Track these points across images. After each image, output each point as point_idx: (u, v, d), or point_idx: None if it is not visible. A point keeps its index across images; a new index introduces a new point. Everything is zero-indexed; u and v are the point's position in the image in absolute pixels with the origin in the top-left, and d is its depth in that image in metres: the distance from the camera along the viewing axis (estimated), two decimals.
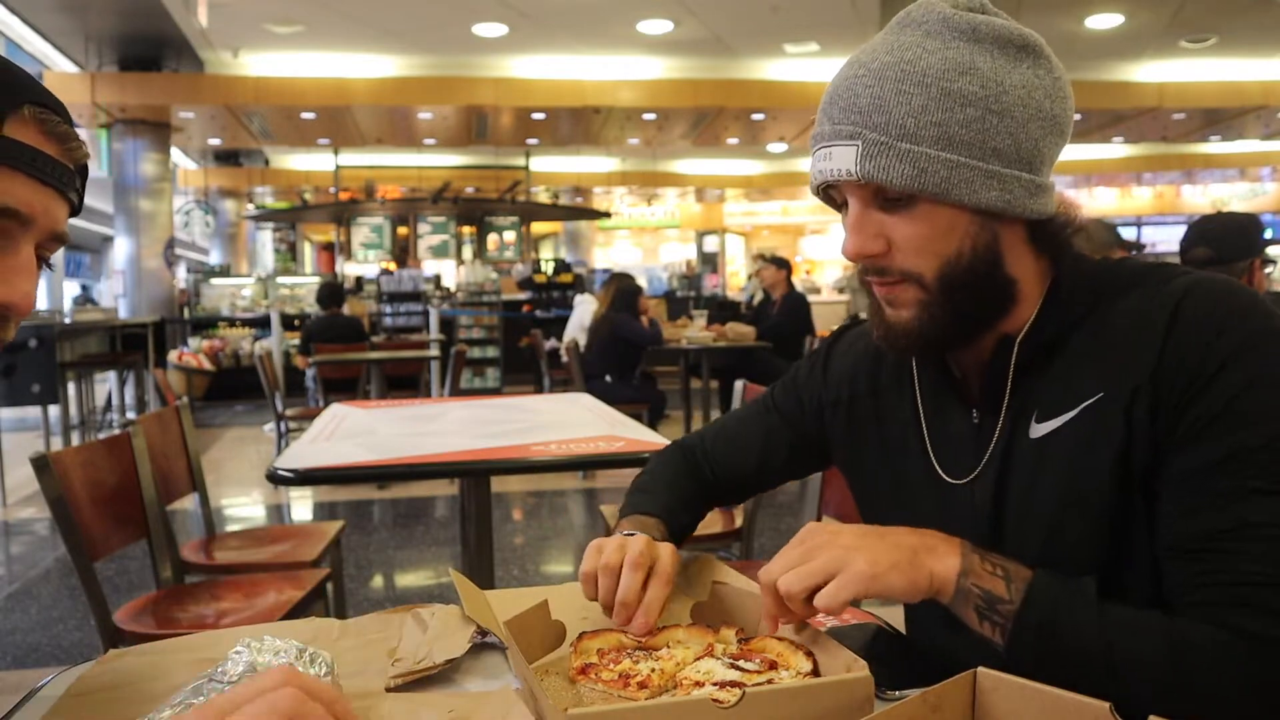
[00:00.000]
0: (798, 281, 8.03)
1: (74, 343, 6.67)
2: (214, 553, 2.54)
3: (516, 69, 9.83)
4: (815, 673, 0.74)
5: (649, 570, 0.91)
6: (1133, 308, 0.82)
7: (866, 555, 0.77)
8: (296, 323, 9.99)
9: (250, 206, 16.71)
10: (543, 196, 15.80)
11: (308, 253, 19.46)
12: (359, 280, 11.82)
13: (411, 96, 9.87)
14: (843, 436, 1.08)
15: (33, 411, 6.34)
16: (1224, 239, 2.61)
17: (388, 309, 11.00)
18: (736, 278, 19.06)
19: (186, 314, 10.94)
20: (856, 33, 8.60)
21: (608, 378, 6.12)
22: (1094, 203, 18.85)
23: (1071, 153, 14.83)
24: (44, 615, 3.57)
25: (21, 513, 5.33)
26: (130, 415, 7.64)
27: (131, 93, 9.43)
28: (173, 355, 9.91)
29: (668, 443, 1.28)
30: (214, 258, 15.87)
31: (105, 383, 8.30)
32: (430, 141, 12.35)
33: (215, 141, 12.44)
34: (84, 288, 19.28)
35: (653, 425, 5.39)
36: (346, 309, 7.43)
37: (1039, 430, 0.86)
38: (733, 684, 0.72)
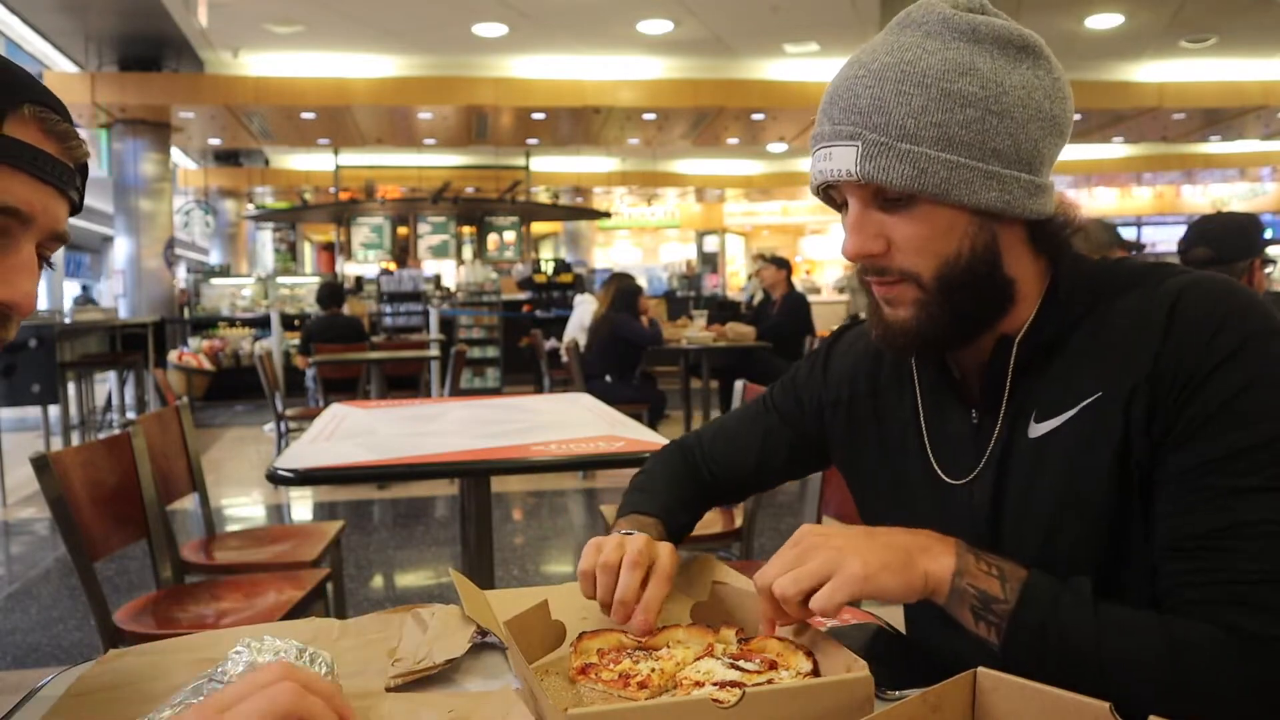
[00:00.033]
0: (798, 281, 8.03)
1: (74, 343, 6.67)
2: (214, 553, 2.54)
3: (516, 69, 9.83)
4: (815, 673, 0.74)
5: (648, 569, 0.91)
6: (1131, 307, 0.83)
7: (860, 557, 0.77)
8: (296, 323, 9.99)
9: (250, 206, 16.71)
10: (543, 196, 15.80)
11: (308, 253, 19.46)
12: (359, 280, 11.82)
13: (411, 96, 9.87)
14: (842, 436, 1.08)
15: (33, 411, 6.34)
16: (1224, 239, 2.61)
17: (388, 309, 11.00)
18: (736, 278, 19.06)
19: (186, 314, 10.95)
20: (856, 33, 8.60)
21: (608, 378, 6.12)
22: (1094, 203, 18.85)
23: (1071, 153, 14.83)
24: (44, 615, 3.57)
25: (21, 513, 5.33)
26: (130, 415, 7.64)
27: (131, 93, 9.43)
28: (173, 355, 9.91)
29: (667, 443, 1.28)
30: (214, 258, 15.87)
31: (105, 383, 8.30)
32: (430, 141, 12.35)
33: (215, 141, 12.44)
34: (84, 288, 19.28)
35: (653, 425, 5.39)
36: (346, 309, 7.43)
37: (1037, 430, 0.86)
38: (733, 684, 0.72)
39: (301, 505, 5.53)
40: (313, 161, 14.86)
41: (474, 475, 2.07)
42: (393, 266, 12.04)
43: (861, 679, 0.67)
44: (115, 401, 7.96)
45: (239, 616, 2.02)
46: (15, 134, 0.68)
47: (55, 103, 0.72)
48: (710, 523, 2.60)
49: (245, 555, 2.53)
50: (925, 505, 0.95)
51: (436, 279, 11.79)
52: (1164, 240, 17.67)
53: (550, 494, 5.56)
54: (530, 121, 11.09)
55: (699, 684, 0.74)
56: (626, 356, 6.20)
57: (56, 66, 9.57)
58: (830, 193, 0.90)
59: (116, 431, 2.63)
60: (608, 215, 17.28)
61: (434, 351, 6.82)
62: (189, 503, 3.71)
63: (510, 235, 12.73)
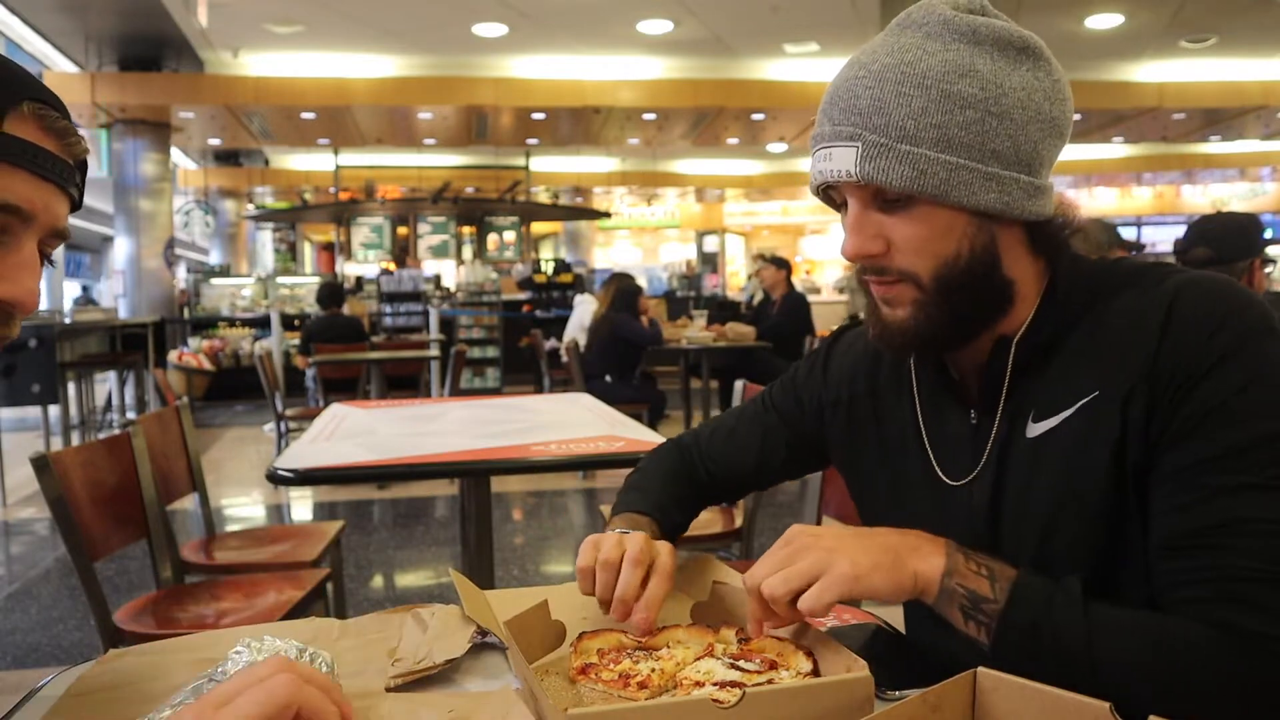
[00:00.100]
0: (798, 281, 8.04)
1: (74, 343, 6.68)
2: (214, 553, 2.54)
3: (516, 69, 9.83)
4: (815, 673, 0.74)
5: (649, 567, 0.91)
6: (1129, 307, 0.83)
7: (849, 557, 0.77)
8: (296, 323, 9.99)
9: (250, 206, 16.71)
10: (543, 196, 15.80)
11: (308, 253, 19.46)
12: (359, 280, 11.82)
13: (411, 96, 9.88)
14: (841, 437, 1.08)
15: (33, 411, 6.34)
16: (1224, 239, 2.61)
17: (388, 309, 11.00)
18: (736, 278, 19.06)
19: (186, 314, 10.95)
20: (856, 33, 8.60)
21: (608, 378, 6.12)
22: (1094, 203, 18.86)
23: (1071, 153, 14.83)
24: (44, 615, 3.57)
25: (21, 513, 5.33)
26: (130, 415, 7.64)
27: (131, 93, 9.43)
28: (173, 355, 9.91)
29: (664, 440, 1.28)
30: (214, 258, 15.87)
31: (105, 383, 8.30)
32: (430, 141, 12.35)
33: (215, 141, 12.44)
34: (84, 288, 19.29)
35: (653, 425, 5.39)
36: (346, 309, 7.43)
37: (1035, 430, 0.86)
38: (733, 684, 0.72)
39: (301, 505, 5.53)
40: (313, 161, 14.86)
41: (474, 475, 2.07)
42: (393, 266, 12.04)
43: (861, 679, 0.67)
44: (115, 401, 7.96)
45: (239, 616, 2.02)
46: (15, 131, 0.68)
47: (53, 100, 0.72)
48: (710, 523, 2.60)
49: (245, 555, 2.53)
50: (925, 506, 0.96)
51: (436, 279, 11.79)
52: (1164, 240, 17.66)
53: (550, 494, 5.56)
54: (530, 121, 11.09)
55: (699, 684, 0.74)
56: (626, 356, 6.20)
57: (56, 66, 9.57)
58: (830, 193, 0.90)
59: (116, 431, 2.63)
60: (608, 215, 17.28)
61: (434, 351, 6.82)
62: (189, 503, 3.71)
63: (510, 235, 12.74)
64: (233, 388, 10.01)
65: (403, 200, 13.45)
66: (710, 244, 19.93)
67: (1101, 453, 0.80)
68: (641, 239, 22.66)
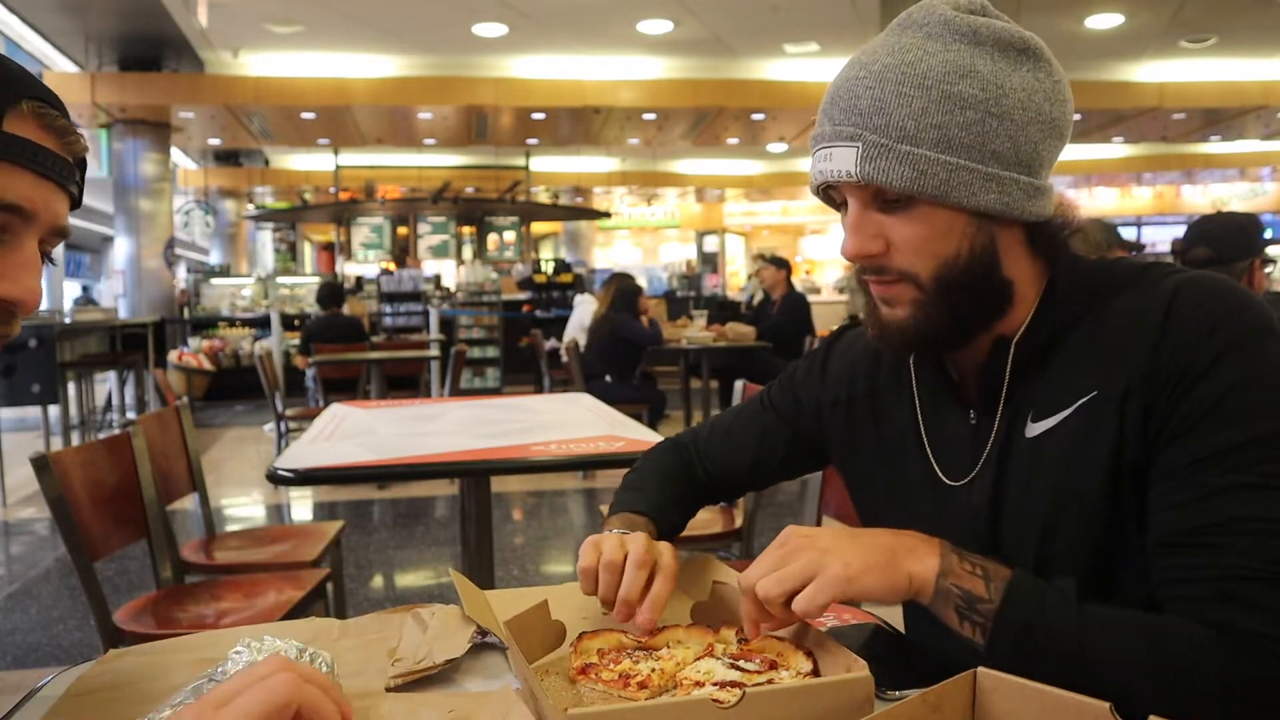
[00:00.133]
0: (798, 281, 8.04)
1: (74, 343, 6.67)
2: (214, 553, 2.54)
3: (516, 69, 9.83)
4: (815, 673, 0.74)
5: (652, 568, 0.91)
6: (1127, 307, 0.83)
7: (843, 558, 0.77)
8: (296, 323, 9.99)
9: (250, 206, 16.70)
10: (543, 196, 15.80)
11: (308, 253, 19.45)
12: (359, 280, 11.82)
13: (411, 96, 9.87)
14: (841, 437, 1.08)
15: (33, 411, 6.34)
16: (1224, 239, 2.61)
17: (388, 309, 11.00)
18: (736, 278, 19.05)
19: (186, 314, 10.95)
20: (856, 33, 8.60)
21: (608, 378, 6.12)
22: (1094, 203, 18.85)
23: (1071, 153, 14.83)
24: (44, 615, 3.57)
25: (21, 513, 5.33)
26: (130, 415, 7.64)
27: (131, 93, 9.43)
28: (173, 355, 9.91)
29: (661, 439, 1.28)
30: (214, 258, 15.86)
31: (105, 383, 8.30)
32: (430, 141, 12.35)
33: (215, 141, 12.43)
34: (84, 288, 19.29)
35: (653, 425, 5.39)
36: (346, 309, 7.44)
37: (1034, 430, 0.86)
38: (733, 684, 0.72)
39: (301, 505, 5.53)
40: (313, 161, 14.86)
41: (474, 475, 2.07)
42: (393, 266, 12.04)
43: (861, 679, 0.67)
44: (115, 401, 7.96)
45: (239, 616, 2.02)
46: (14, 130, 0.68)
47: (52, 98, 0.72)
48: (710, 523, 2.60)
49: (245, 555, 2.53)
50: (924, 506, 0.96)
51: (436, 279, 11.79)
52: (1164, 240, 17.63)
53: (550, 494, 5.56)
54: (530, 121, 11.09)
55: (699, 684, 0.74)
56: (626, 356, 6.21)
57: (56, 66, 9.56)
58: (830, 193, 0.90)
59: (116, 431, 2.63)
60: (608, 215, 17.28)
61: (434, 351, 6.82)
62: (189, 503, 3.71)
63: (510, 235, 12.73)
64: (233, 388, 10.01)
65: (403, 200, 13.45)
66: (710, 244, 19.93)
67: (1101, 452, 0.80)
68: (641, 239, 22.66)
